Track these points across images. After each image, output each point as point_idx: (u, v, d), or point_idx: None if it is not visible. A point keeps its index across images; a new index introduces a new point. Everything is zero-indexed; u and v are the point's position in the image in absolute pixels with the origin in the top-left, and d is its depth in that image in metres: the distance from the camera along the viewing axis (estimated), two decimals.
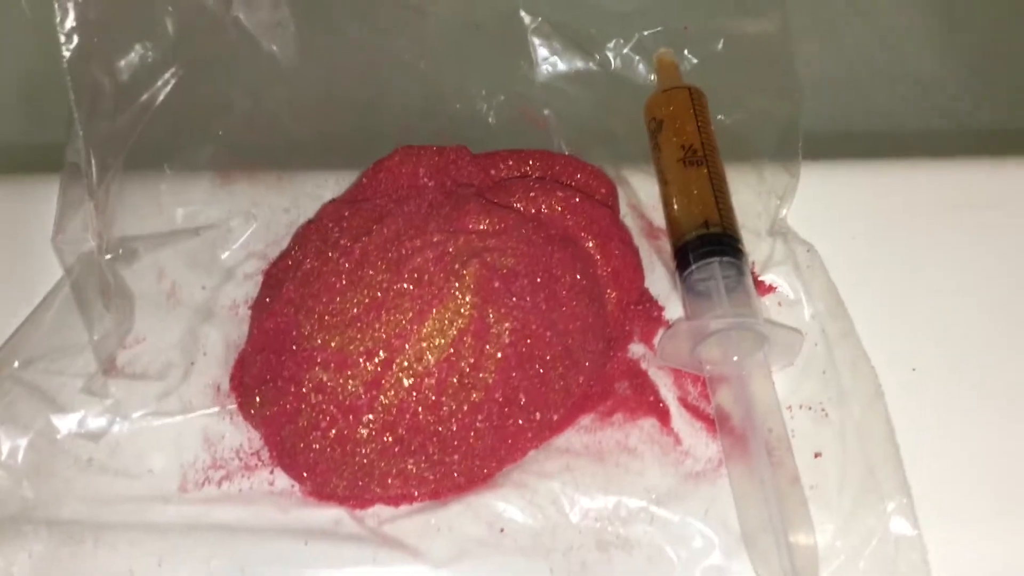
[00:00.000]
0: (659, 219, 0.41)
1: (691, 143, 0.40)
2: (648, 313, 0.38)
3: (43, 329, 0.36)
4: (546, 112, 0.44)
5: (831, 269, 0.39)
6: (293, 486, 0.34)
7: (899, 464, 0.34)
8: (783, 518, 0.31)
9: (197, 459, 0.35)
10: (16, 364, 0.36)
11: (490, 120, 0.44)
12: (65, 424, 0.35)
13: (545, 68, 0.45)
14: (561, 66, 0.45)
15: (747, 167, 0.41)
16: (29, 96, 0.53)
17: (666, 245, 0.40)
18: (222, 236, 0.40)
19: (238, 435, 0.35)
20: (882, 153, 0.43)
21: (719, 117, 0.42)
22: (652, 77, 0.44)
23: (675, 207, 0.39)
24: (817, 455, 0.34)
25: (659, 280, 0.39)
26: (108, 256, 0.38)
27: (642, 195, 0.42)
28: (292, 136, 0.42)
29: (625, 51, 0.45)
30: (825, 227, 0.40)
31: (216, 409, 0.36)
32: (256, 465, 0.35)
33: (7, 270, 0.39)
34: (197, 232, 0.40)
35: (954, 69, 0.54)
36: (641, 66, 0.44)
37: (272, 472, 0.34)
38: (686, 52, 0.44)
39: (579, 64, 0.45)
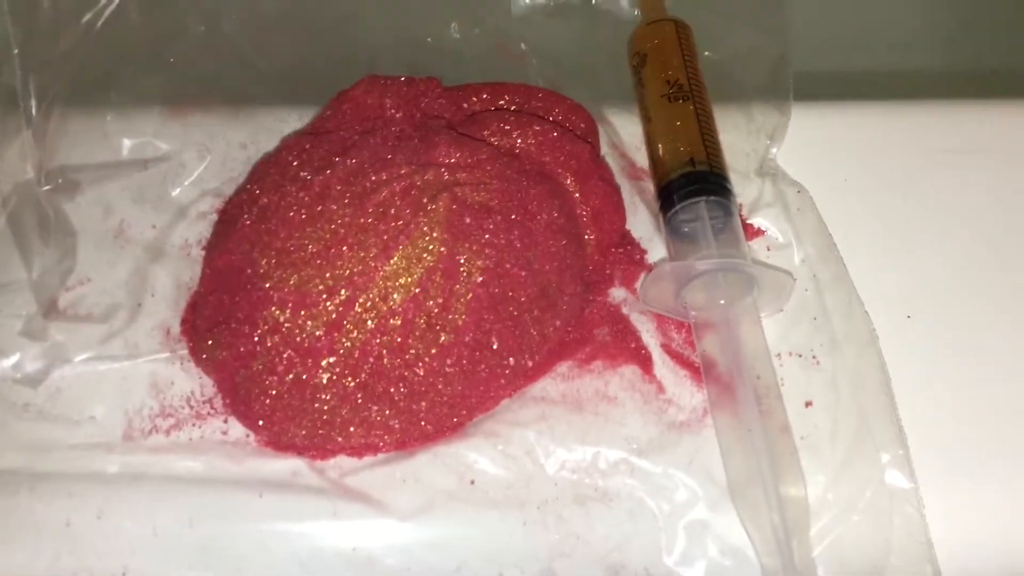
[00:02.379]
0: (642, 160, 0.39)
1: (676, 77, 0.38)
2: (630, 256, 0.36)
3: None
4: (523, 47, 0.42)
5: (823, 211, 0.37)
6: (248, 435, 0.32)
7: (894, 414, 0.32)
8: (772, 469, 0.30)
9: (144, 406, 0.32)
10: None
11: (464, 54, 0.42)
12: None
13: (523, 0, 0.42)
14: None
15: (735, 106, 0.40)
16: None
17: (649, 186, 0.38)
18: (173, 171, 0.37)
19: (189, 382, 0.33)
20: (877, 94, 0.41)
21: (706, 53, 0.40)
22: (636, 12, 0.42)
23: (659, 145, 0.37)
24: (808, 404, 0.33)
25: (642, 223, 0.37)
26: (47, 187, 0.35)
27: (624, 134, 0.40)
28: (251, 66, 0.40)
29: None
30: (817, 168, 0.38)
31: (165, 354, 0.33)
32: (208, 414, 0.32)
33: None
34: (145, 165, 0.37)
35: (952, 7, 0.52)
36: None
37: (226, 421, 0.32)
38: None
39: None
